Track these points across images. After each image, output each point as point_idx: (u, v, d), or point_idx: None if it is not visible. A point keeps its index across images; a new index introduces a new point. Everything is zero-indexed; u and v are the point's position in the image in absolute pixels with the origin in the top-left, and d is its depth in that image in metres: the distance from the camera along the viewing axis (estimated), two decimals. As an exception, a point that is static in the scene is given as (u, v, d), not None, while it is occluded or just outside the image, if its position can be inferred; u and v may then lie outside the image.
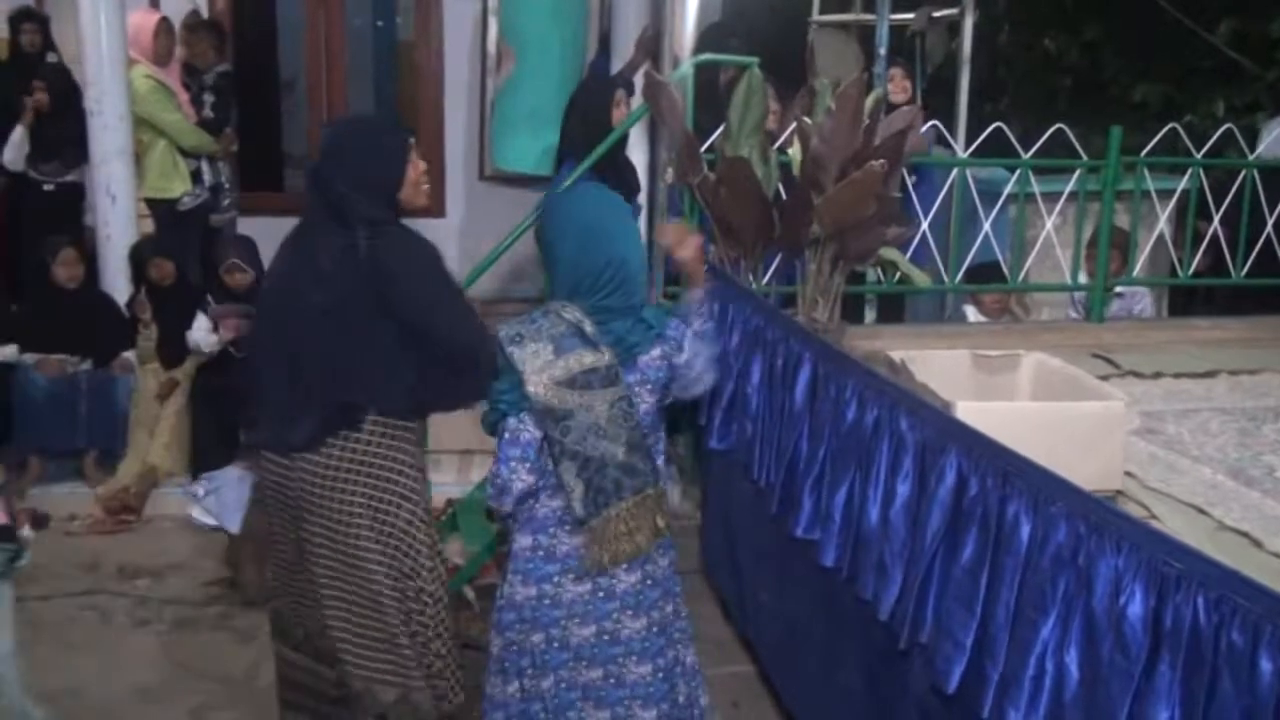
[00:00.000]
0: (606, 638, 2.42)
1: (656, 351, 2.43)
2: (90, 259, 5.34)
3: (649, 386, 2.43)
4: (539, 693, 2.42)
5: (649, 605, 2.44)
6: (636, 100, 5.01)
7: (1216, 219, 4.45)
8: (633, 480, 2.37)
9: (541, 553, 2.40)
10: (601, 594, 2.41)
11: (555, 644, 2.41)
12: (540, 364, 2.29)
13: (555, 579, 2.39)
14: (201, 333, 5.24)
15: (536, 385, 2.28)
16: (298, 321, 2.64)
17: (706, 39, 5.63)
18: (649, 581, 2.45)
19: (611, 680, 2.44)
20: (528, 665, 2.42)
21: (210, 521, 2.93)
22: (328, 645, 2.78)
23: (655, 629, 2.46)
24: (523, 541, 2.41)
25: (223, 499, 2.91)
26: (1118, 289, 4.93)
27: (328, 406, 2.63)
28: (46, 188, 5.88)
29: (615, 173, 4.55)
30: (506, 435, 2.32)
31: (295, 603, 2.83)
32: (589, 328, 2.33)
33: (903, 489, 2.38)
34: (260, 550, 2.82)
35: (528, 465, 2.32)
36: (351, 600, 2.71)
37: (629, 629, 2.43)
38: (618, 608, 2.42)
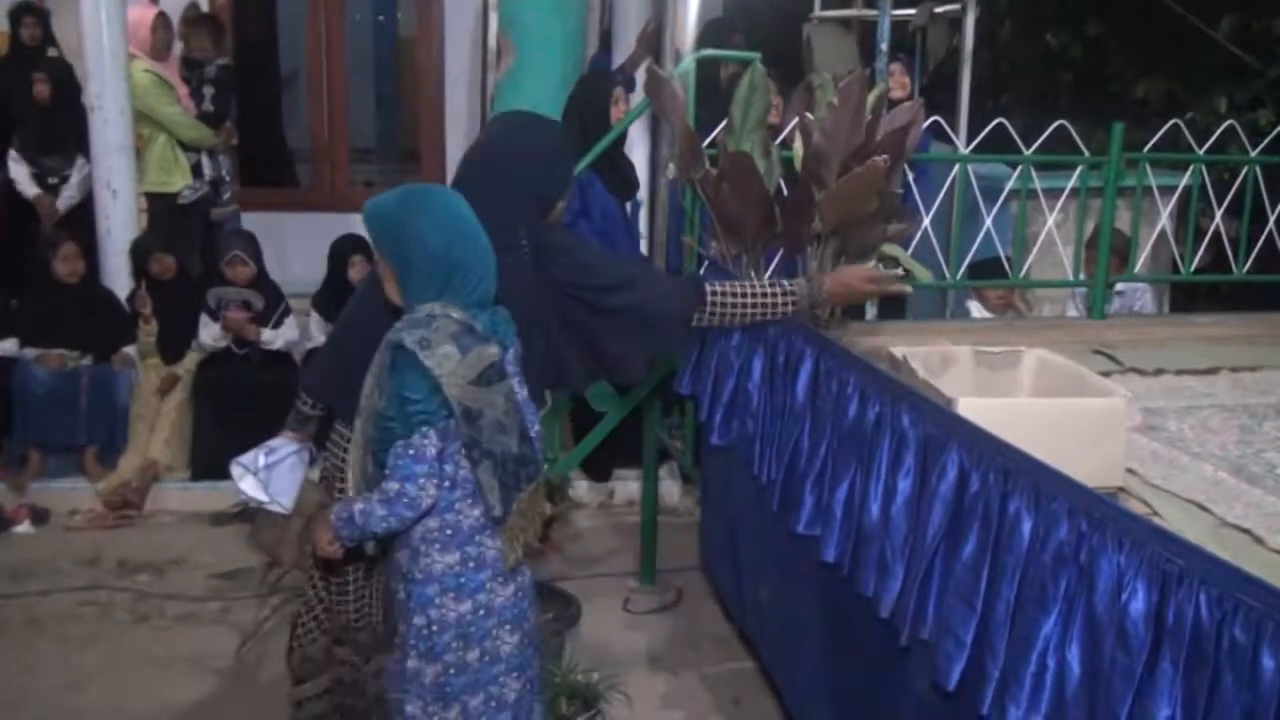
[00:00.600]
0: (526, 640, 2.43)
1: (517, 343, 2.45)
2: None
3: (518, 379, 2.43)
4: (473, 712, 2.40)
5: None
6: (638, 95, 5.00)
7: (1219, 215, 4.44)
8: (525, 470, 2.37)
9: (472, 564, 2.36)
10: (521, 593, 2.42)
11: (488, 658, 2.38)
12: (453, 366, 2.25)
13: (488, 586, 2.37)
14: (205, 330, 5.25)
15: (453, 388, 2.24)
16: None
17: (708, 34, 5.62)
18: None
19: (529, 687, 2.46)
20: (465, 685, 2.38)
21: (262, 497, 2.80)
22: (366, 636, 2.80)
23: (528, 601, 2.50)
24: (448, 559, 2.35)
25: (280, 473, 2.80)
26: (1118, 287, 4.92)
27: None
28: (50, 181, 5.87)
29: (613, 170, 4.54)
30: (411, 452, 2.25)
31: (340, 594, 2.80)
32: (477, 324, 2.32)
33: (904, 485, 2.38)
34: (306, 529, 2.80)
35: (435, 480, 2.28)
36: None
37: (532, 621, 2.47)
38: (529, 604, 2.44)
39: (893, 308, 4.98)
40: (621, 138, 4.55)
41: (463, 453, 2.29)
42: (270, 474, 2.77)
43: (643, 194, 5.00)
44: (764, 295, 2.91)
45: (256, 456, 2.78)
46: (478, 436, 2.27)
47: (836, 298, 3.00)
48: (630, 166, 4.89)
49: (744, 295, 2.90)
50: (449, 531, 2.34)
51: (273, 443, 2.82)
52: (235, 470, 2.79)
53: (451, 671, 2.38)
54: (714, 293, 2.87)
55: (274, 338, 5.24)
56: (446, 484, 2.30)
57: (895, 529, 2.38)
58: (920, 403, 2.38)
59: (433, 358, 2.24)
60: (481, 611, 2.37)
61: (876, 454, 2.47)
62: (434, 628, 2.37)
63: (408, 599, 2.39)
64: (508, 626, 2.40)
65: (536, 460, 2.40)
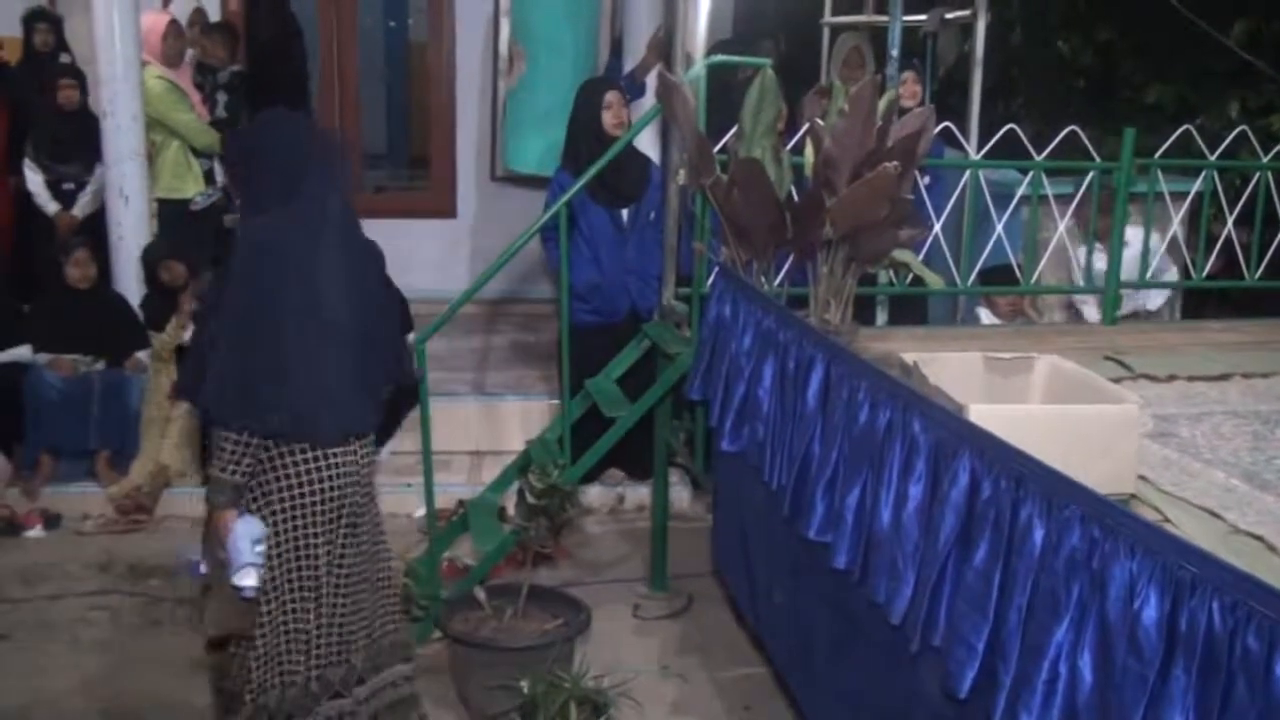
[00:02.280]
0: None
1: None
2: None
3: None
4: None
5: None
6: (649, 102, 5.00)
7: (1230, 221, 4.44)
8: None
9: None
10: None
11: None
12: None
13: None
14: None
15: None
16: (367, 301, 2.76)
17: (738, 43, 5.64)
18: None
19: None
20: None
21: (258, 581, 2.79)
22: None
23: None
24: None
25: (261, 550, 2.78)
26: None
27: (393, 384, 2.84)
28: (65, 187, 5.87)
29: (599, 182, 4.50)
30: None
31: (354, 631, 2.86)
32: None
33: (915, 491, 2.37)
34: None
35: None
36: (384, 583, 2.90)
37: None
38: None
39: (904, 314, 4.99)
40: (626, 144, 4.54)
41: None
42: (261, 557, 2.73)
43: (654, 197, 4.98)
44: None
45: (251, 551, 2.70)
46: None
47: None
48: (630, 176, 4.83)
49: None
50: None
51: (250, 533, 2.72)
52: (239, 575, 2.71)
53: None
54: None
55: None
56: None
57: (906, 535, 2.38)
58: (931, 409, 2.38)
59: None
60: None
61: (888, 460, 2.47)
62: None
63: None
64: None
65: None
